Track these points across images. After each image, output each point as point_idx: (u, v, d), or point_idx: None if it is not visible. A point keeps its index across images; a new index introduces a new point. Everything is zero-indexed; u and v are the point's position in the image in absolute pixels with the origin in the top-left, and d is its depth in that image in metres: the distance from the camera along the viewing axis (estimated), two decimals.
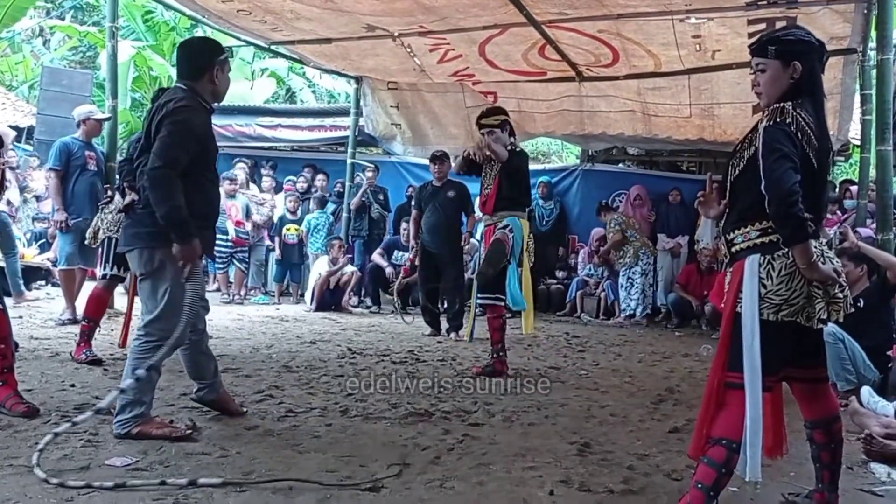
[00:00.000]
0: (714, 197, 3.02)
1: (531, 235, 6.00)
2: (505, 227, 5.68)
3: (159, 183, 3.53)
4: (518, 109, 10.37)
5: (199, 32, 18.03)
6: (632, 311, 9.89)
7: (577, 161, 13.16)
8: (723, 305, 2.81)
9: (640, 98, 9.42)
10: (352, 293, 9.99)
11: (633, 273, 9.89)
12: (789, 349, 2.74)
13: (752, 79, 2.84)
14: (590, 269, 10.48)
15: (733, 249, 2.81)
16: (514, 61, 8.86)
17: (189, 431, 3.64)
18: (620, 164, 12.36)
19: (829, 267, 2.64)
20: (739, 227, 2.78)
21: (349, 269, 9.87)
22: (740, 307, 2.68)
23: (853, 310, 2.74)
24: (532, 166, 15.24)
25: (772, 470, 3.20)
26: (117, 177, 6.40)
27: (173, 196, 3.51)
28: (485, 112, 6.11)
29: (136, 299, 4.93)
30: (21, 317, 7.10)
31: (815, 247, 2.64)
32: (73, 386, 4.60)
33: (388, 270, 9.93)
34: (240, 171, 10.84)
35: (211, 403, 4.10)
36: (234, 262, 10.19)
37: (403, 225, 10.11)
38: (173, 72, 16.83)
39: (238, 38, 9.20)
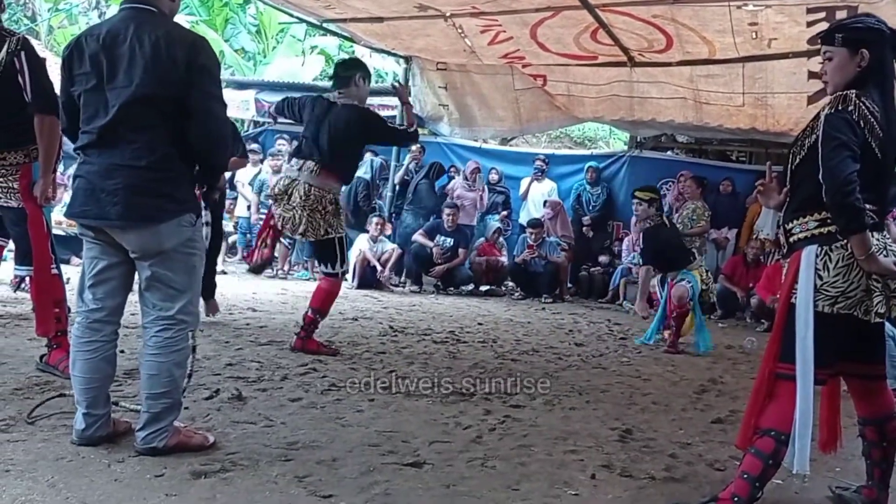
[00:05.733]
0: (774, 186, 2.97)
1: (708, 273, 7.09)
2: (681, 280, 6.60)
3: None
4: (567, 93, 10.31)
5: (251, 9, 18.24)
6: None
7: (625, 147, 13.04)
8: (777, 296, 2.77)
9: (692, 85, 9.28)
10: (392, 272, 10.03)
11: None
12: (844, 343, 2.70)
13: (821, 67, 2.79)
14: (634, 257, 10.38)
15: (791, 239, 2.76)
16: (566, 45, 8.77)
17: (213, 440, 3.19)
18: (669, 152, 12.22)
19: (890, 260, 2.58)
20: (798, 217, 2.74)
21: (390, 246, 9.92)
22: (795, 298, 2.65)
23: None
24: (579, 151, 15.21)
25: (817, 464, 3.17)
26: None
27: None
28: (640, 188, 7.03)
29: None
30: (69, 280, 7.25)
31: (878, 239, 2.59)
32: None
33: (435, 251, 9.93)
34: (282, 147, 10.94)
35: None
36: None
37: (447, 210, 10.09)
38: (226, 47, 17.19)
39: (291, 15, 9.26)
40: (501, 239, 10.57)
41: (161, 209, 2.96)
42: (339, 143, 5.16)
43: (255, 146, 11.67)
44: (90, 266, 3.09)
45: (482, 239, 10.63)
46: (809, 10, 6.81)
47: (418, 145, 11.02)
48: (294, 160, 5.32)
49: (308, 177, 5.12)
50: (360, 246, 9.76)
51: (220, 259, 10.07)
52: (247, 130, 13.69)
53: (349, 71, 5.42)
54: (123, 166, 2.92)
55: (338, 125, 5.17)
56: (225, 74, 16.05)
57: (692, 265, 6.70)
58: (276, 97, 12.12)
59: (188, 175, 3.08)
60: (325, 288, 5.35)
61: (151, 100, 2.90)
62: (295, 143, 11.42)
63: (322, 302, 5.32)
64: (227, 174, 11.34)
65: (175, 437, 3.04)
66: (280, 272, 10.16)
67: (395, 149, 10.82)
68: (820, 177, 2.58)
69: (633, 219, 7.02)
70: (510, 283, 10.48)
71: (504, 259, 10.35)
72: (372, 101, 12.35)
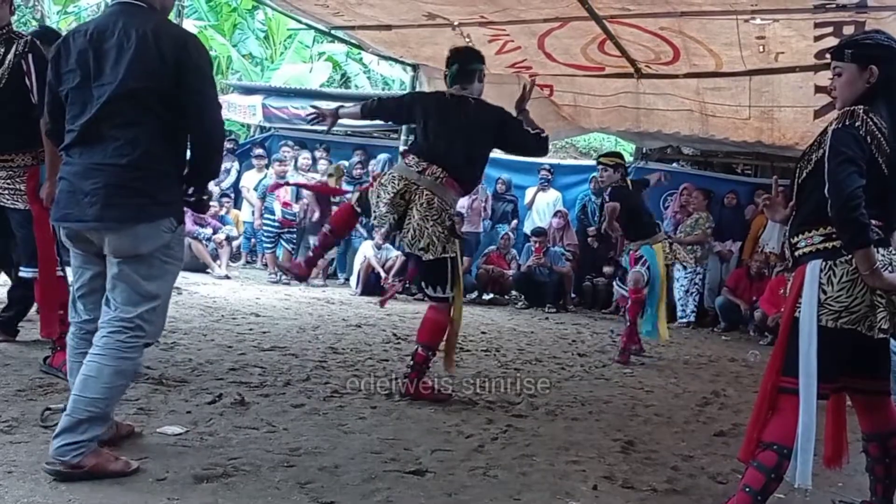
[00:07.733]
0: (780, 200, 2.97)
1: (671, 247, 6.79)
2: (639, 259, 6.49)
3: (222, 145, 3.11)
4: (574, 104, 10.30)
5: (260, 14, 18.31)
6: (689, 316, 9.76)
7: (631, 158, 13.04)
8: (781, 310, 2.77)
9: (698, 97, 9.28)
10: (396, 278, 10.02)
11: (696, 276, 9.77)
12: (848, 358, 2.70)
13: (830, 82, 2.80)
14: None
15: (796, 254, 2.77)
16: (573, 55, 8.78)
17: (136, 466, 2.86)
18: (674, 164, 12.22)
19: (895, 276, 2.58)
20: (804, 232, 2.74)
21: (394, 253, 9.92)
22: (799, 312, 2.65)
23: None
24: (584, 162, 15.23)
25: (820, 479, 3.16)
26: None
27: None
28: (605, 153, 7.50)
29: None
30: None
31: (883, 255, 2.59)
32: None
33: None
34: (287, 153, 10.99)
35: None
36: (282, 242, 10.31)
37: None
38: (234, 52, 17.27)
39: (299, 21, 9.28)
40: (513, 250, 10.56)
41: (141, 209, 2.81)
42: (474, 147, 4.45)
43: (260, 151, 11.72)
44: (77, 276, 3.02)
45: (492, 247, 10.63)
46: (817, 25, 6.82)
47: None
48: (412, 158, 4.47)
49: (431, 184, 4.34)
50: (365, 252, 9.79)
51: (224, 263, 10.13)
52: (253, 135, 13.75)
53: (474, 64, 4.60)
54: (104, 165, 2.80)
55: (474, 126, 4.40)
56: (232, 79, 16.15)
57: (656, 237, 6.58)
58: (284, 103, 12.28)
59: (173, 176, 2.95)
60: (432, 318, 4.50)
61: (136, 94, 2.79)
62: (297, 146, 11.54)
63: (431, 334, 4.50)
64: (230, 181, 11.44)
65: (93, 457, 2.75)
66: (284, 278, 10.14)
67: (401, 158, 10.79)
68: (826, 191, 2.59)
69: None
70: (514, 293, 10.47)
71: (511, 272, 10.33)
72: None
